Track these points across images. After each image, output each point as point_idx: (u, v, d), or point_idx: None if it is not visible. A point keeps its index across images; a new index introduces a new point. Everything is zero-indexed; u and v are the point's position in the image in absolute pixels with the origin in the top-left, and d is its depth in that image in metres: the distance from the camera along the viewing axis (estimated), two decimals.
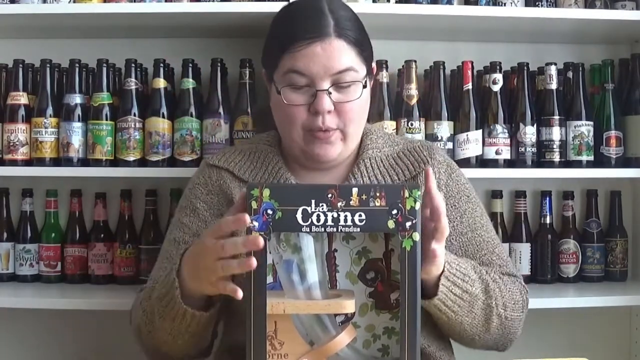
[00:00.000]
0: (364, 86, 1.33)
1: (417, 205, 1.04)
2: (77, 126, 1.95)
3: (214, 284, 1.11)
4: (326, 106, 1.29)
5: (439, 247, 1.14)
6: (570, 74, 2.06)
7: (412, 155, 1.42)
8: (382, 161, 1.41)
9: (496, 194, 2.10)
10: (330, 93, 1.30)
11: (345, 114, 1.32)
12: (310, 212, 1.04)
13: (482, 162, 1.97)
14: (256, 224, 1.04)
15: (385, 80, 1.96)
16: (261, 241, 1.03)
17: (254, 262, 1.04)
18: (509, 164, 1.98)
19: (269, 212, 1.04)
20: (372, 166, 1.40)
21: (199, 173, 1.47)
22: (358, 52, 1.33)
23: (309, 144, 1.34)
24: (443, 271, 1.19)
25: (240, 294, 1.06)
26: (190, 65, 1.97)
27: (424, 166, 1.40)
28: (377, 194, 1.04)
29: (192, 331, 1.24)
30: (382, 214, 1.04)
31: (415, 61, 1.97)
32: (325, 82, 1.30)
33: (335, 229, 1.04)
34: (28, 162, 1.97)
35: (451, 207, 1.40)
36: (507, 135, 1.98)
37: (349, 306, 1.07)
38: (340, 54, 1.30)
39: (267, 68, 1.39)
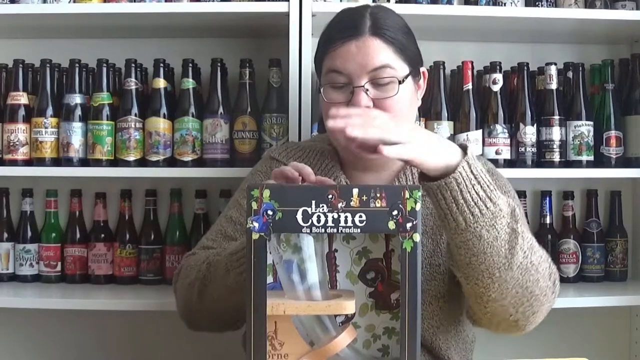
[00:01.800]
0: (400, 82, 1.33)
1: (418, 206, 1.04)
2: (77, 126, 1.95)
3: None
4: (363, 102, 1.31)
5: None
6: (570, 74, 2.06)
7: None
8: None
9: None
10: (367, 90, 1.32)
11: (384, 110, 1.31)
12: (310, 212, 1.03)
13: None
14: (256, 224, 1.04)
15: None
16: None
17: None
18: (509, 164, 1.98)
19: (269, 212, 1.04)
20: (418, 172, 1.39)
21: (262, 162, 1.54)
22: (396, 50, 1.34)
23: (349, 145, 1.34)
24: (465, 157, 1.15)
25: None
26: (190, 65, 1.97)
27: None
28: (378, 195, 1.04)
29: None
30: (382, 214, 1.04)
31: None
32: (362, 79, 1.32)
33: (335, 230, 1.04)
34: (28, 162, 1.97)
35: None
36: (507, 135, 1.98)
37: (349, 307, 1.07)
38: (374, 52, 1.32)
39: (318, 74, 1.44)
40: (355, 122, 1.13)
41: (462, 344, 1.43)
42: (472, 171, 1.15)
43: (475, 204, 1.14)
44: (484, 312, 1.25)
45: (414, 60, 1.39)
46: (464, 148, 1.18)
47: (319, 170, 1.43)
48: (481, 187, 1.15)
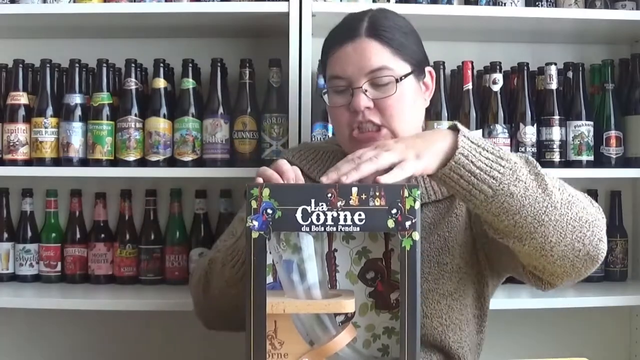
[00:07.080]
0: (398, 81, 1.33)
1: (417, 205, 1.04)
2: (77, 126, 1.95)
3: None
4: (362, 103, 1.32)
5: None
6: (570, 74, 2.06)
7: None
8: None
9: None
10: (366, 90, 1.33)
11: (384, 110, 1.33)
12: (310, 211, 1.04)
13: None
14: (256, 223, 1.04)
15: None
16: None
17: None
18: None
19: (269, 211, 1.04)
20: (422, 181, 1.40)
21: None
22: (393, 51, 1.35)
23: (354, 149, 1.31)
24: (460, 132, 1.15)
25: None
26: (190, 65, 1.97)
27: None
28: (377, 194, 1.04)
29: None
30: (381, 213, 1.04)
31: None
32: (361, 80, 1.33)
33: (335, 229, 1.04)
34: (28, 162, 1.97)
35: None
36: (507, 135, 1.98)
37: (348, 306, 1.07)
38: (371, 54, 1.34)
39: (324, 78, 1.46)
40: (344, 168, 1.11)
41: (473, 343, 1.42)
42: (472, 141, 1.16)
43: (491, 167, 1.14)
44: (554, 261, 1.21)
45: (416, 59, 1.38)
46: (453, 127, 1.19)
47: None
48: (487, 151, 1.16)
